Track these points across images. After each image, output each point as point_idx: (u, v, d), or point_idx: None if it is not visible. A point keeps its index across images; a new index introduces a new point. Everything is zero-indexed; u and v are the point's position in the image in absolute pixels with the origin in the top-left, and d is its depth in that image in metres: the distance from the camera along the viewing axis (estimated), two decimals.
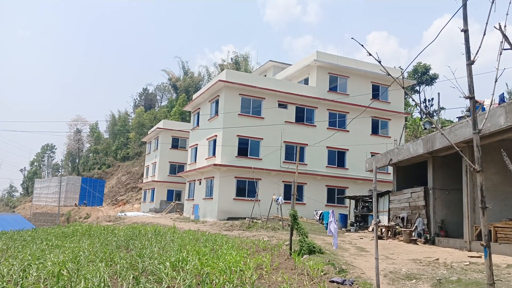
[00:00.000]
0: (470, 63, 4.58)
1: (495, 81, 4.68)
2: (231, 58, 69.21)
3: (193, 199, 34.05)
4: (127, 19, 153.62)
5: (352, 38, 5.01)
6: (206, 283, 7.29)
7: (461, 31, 4.63)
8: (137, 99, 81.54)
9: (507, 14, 4.39)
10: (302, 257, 11.06)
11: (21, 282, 7.10)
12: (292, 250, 11.91)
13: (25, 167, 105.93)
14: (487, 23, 4.58)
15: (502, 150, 4.58)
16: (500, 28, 4.18)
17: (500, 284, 7.73)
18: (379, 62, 4.71)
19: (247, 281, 7.82)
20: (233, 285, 7.29)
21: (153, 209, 43.95)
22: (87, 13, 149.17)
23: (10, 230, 21.58)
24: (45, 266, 8.71)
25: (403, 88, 4.69)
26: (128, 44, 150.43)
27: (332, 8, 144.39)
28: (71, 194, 62.16)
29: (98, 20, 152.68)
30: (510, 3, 4.39)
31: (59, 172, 76.17)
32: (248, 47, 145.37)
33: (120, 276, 7.91)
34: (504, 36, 4.15)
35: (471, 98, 4.65)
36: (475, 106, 4.69)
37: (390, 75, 4.90)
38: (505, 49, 4.27)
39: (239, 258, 9.98)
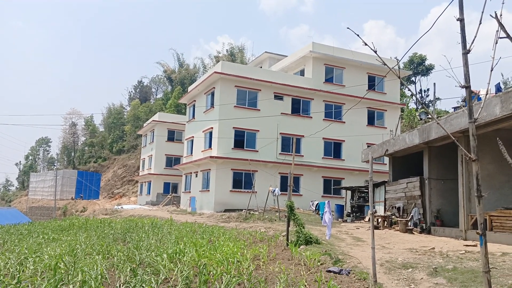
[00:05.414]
0: (466, 52, 4.56)
1: (491, 70, 4.66)
2: (227, 49, 68.93)
3: (189, 192, 34.08)
4: (122, 12, 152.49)
5: (348, 28, 4.96)
6: (204, 274, 7.29)
7: (457, 20, 4.61)
8: (132, 91, 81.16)
9: (503, 3, 4.37)
10: (299, 247, 11.10)
11: (18, 275, 7.08)
12: (289, 241, 11.96)
13: (20, 161, 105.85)
14: (483, 12, 4.55)
15: (498, 138, 4.58)
16: (496, 17, 4.16)
17: (495, 272, 7.79)
18: (375, 52, 4.68)
19: (244, 272, 7.83)
20: (230, 276, 7.30)
21: (149, 202, 43.97)
22: (81, 6, 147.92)
23: (6, 224, 21.54)
24: (42, 260, 8.70)
25: (399, 78, 4.67)
26: (123, 36, 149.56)
27: None
28: (67, 188, 62.06)
29: (92, 13, 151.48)
30: None
31: (55, 165, 75.89)
32: (244, 38, 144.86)
33: (117, 269, 7.91)
34: (500, 24, 4.13)
35: (467, 87, 4.64)
36: (471, 96, 4.68)
37: (386, 64, 4.87)
38: (501, 38, 4.25)
39: (236, 249, 10.00)
